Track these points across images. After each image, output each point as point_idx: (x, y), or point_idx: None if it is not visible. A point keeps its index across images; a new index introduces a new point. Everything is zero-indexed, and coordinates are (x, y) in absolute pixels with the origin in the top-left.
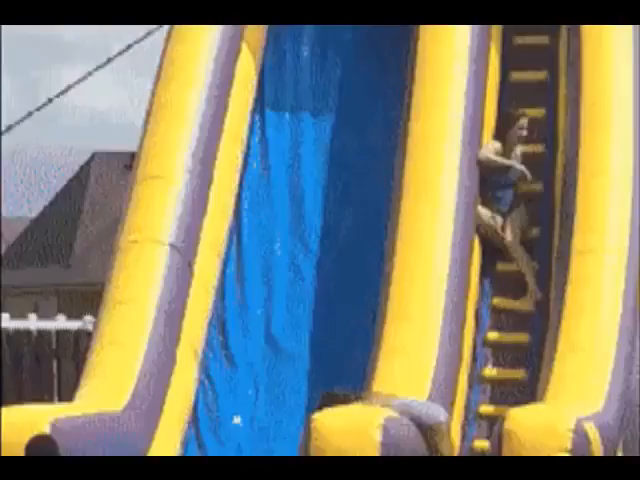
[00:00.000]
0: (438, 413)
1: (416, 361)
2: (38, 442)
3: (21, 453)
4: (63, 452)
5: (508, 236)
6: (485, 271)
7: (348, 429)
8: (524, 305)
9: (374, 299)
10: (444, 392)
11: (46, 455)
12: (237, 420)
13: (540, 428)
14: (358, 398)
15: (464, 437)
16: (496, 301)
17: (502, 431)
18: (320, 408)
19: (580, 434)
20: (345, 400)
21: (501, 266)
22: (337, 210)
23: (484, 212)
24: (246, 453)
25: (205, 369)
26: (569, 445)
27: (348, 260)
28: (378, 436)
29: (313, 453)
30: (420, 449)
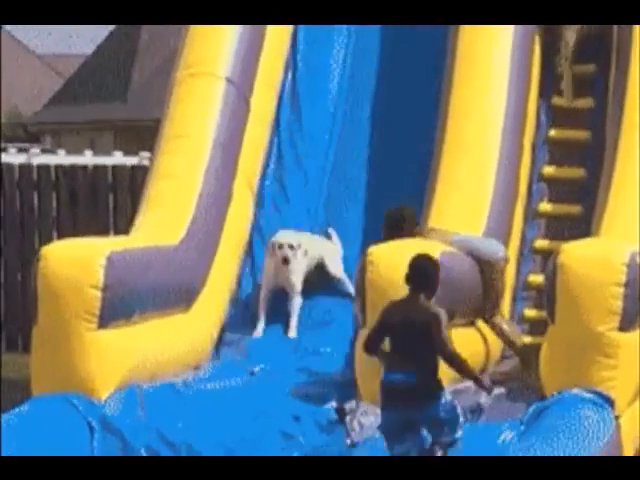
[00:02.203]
0: (497, 249)
1: (472, 196)
2: (425, 259)
3: (75, 286)
4: (118, 285)
5: None
6: (541, 104)
7: (403, 263)
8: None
9: (430, 131)
10: (500, 227)
11: (431, 271)
12: None
13: (594, 262)
14: (418, 229)
15: (519, 271)
16: (552, 133)
17: (556, 265)
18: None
19: (633, 267)
20: (407, 220)
21: (557, 100)
22: (394, 51)
23: None
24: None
25: (261, 203)
26: (623, 278)
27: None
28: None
29: (368, 286)
30: (476, 283)
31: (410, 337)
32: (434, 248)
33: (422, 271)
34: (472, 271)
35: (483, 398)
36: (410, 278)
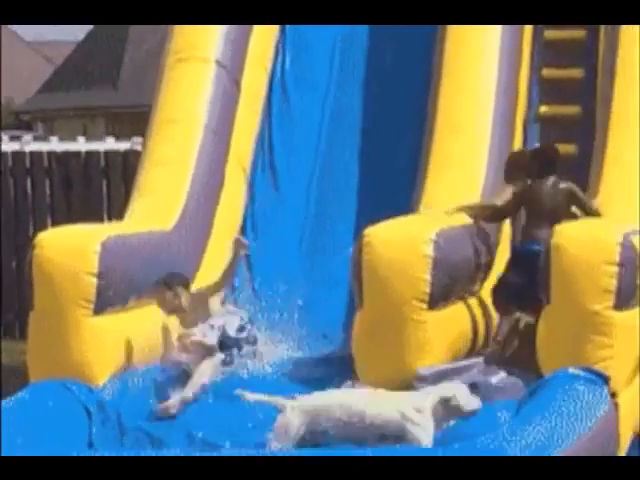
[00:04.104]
0: None
1: (466, 174)
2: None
3: (71, 273)
4: (113, 271)
5: None
6: (532, 78)
7: (399, 243)
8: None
9: (420, 112)
10: None
11: (554, 156)
12: None
13: (587, 242)
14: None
15: None
16: (543, 109)
17: (551, 245)
18: None
19: (627, 247)
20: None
21: (547, 71)
22: (384, 33)
23: None
24: (297, 272)
25: (252, 188)
26: (616, 258)
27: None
28: (429, 250)
29: (365, 266)
30: (470, 265)
31: (545, 211)
32: (429, 227)
33: (545, 159)
34: (467, 252)
35: (494, 379)
36: (536, 168)
